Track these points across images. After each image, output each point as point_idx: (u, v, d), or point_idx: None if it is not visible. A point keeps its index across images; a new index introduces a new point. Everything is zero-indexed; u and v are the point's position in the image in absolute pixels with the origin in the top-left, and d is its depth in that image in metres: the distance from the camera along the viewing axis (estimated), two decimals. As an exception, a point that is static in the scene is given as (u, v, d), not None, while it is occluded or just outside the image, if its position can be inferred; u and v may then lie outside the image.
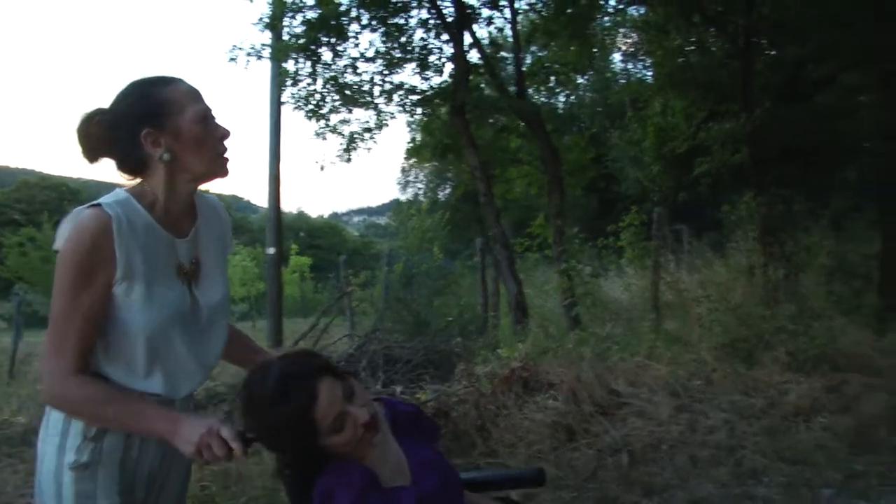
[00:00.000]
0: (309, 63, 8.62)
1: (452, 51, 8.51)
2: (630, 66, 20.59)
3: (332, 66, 8.64)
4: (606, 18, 11.25)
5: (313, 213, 63.26)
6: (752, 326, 5.99)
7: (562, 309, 7.68)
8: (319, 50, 8.45)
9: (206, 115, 1.52)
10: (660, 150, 13.28)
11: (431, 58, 8.76)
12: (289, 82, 8.85)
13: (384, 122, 9.32)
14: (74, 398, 1.45)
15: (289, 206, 59.54)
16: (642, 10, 11.78)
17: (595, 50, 11.34)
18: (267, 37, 8.85)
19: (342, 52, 8.58)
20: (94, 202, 1.46)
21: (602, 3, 9.43)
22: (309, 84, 8.84)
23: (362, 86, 8.83)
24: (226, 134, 1.55)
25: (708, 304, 6.58)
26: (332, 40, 8.35)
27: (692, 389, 5.00)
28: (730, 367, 5.36)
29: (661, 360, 5.47)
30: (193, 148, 1.49)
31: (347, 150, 9.52)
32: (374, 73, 8.86)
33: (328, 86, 8.82)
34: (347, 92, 8.82)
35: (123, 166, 1.52)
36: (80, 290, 1.42)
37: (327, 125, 9.27)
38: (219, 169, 1.56)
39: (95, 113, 1.50)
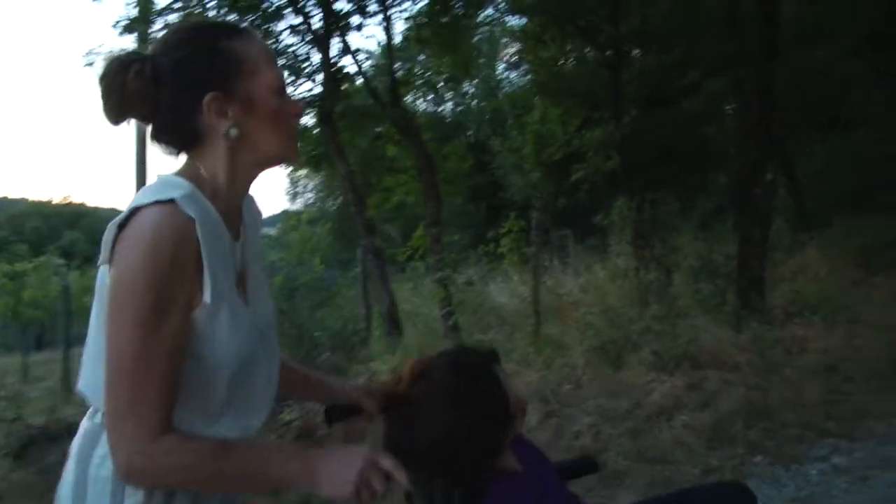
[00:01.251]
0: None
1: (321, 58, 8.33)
2: (513, 74, 21.01)
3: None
4: (486, 28, 11.41)
5: (202, 225, 60.58)
6: (621, 328, 6.11)
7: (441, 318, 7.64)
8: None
9: (283, 85, 1.20)
10: (539, 156, 13.58)
11: (304, 65, 8.55)
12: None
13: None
14: (174, 465, 1.05)
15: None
16: (523, 20, 12.05)
17: (482, 60, 11.46)
18: (127, 41, 8.37)
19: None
20: (159, 197, 1.06)
21: (474, 13, 9.48)
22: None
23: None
24: (300, 111, 1.26)
25: (584, 308, 6.68)
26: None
27: (562, 395, 5.03)
28: (599, 370, 5.44)
29: (534, 366, 5.49)
30: (268, 124, 1.16)
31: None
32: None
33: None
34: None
35: (167, 136, 1.16)
36: (159, 321, 1.03)
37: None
38: (291, 153, 1.23)
39: (133, 58, 1.12)
